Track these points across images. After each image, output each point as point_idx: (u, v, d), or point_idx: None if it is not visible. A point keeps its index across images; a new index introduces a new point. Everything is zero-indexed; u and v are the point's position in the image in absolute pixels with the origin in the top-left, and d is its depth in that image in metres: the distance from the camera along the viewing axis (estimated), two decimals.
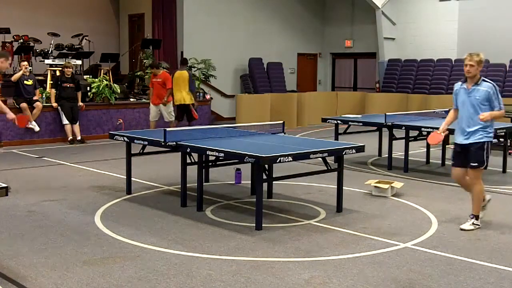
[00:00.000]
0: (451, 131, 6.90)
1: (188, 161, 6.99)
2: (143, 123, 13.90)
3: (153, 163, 9.54)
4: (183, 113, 13.04)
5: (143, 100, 14.42)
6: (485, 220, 6.49)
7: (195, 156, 6.91)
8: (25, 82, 12.34)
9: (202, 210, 6.74)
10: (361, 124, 10.37)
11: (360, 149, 6.81)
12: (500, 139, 10.49)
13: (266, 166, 6.28)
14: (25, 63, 12.75)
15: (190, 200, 6.99)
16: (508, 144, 9.94)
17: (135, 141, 7.37)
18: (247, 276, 4.70)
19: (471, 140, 6.01)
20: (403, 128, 9.37)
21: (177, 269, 4.86)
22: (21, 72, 12.40)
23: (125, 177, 7.79)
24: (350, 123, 10.39)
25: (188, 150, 6.67)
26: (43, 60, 15.46)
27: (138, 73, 16.24)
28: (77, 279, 4.61)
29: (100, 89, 13.69)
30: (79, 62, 15.45)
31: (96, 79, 14.16)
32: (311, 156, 6.35)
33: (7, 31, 16.37)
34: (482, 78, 6.06)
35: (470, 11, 17.52)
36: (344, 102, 18.13)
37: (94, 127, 13.51)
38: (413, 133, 9.62)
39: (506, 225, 6.31)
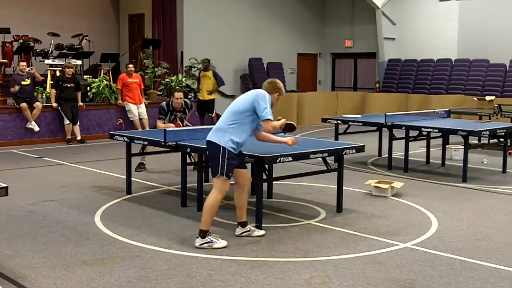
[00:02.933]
0: None
1: (188, 161, 6.99)
2: None
3: (153, 163, 9.54)
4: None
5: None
6: (485, 220, 6.49)
7: (195, 156, 6.92)
8: (22, 82, 12.30)
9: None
10: (361, 124, 10.37)
11: (360, 149, 6.81)
12: (500, 139, 10.50)
13: (266, 166, 6.28)
14: (24, 63, 12.65)
15: (190, 200, 6.98)
16: (508, 144, 9.93)
17: (135, 141, 7.37)
18: (247, 276, 4.70)
19: None
20: (403, 128, 9.37)
21: (177, 269, 4.86)
22: (17, 88, 12.21)
23: (125, 177, 7.78)
24: (350, 123, 10.39)
25: (188, 150, 6.67)
26: (43, 60, 15.45)
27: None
28: (77, 279, 4.61)
29: (100, 89, 13.71)
30: (79, 62, 15.44)
31: (96, 79, 14.17)
32: (311, 156, 6.34)
33: (7, 31, 16.36)
34: None
35: (470, 11, 17.53)
36: (344, 102, 18.13)
37: (94, 127, 13.51)
38: (413, 133, 9.63)
39: (506, 225, 6.31)
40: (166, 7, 17.64)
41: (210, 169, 5.51)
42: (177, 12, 17.43)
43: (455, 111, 12.95)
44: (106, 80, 14.09)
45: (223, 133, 5.38)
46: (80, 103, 12.84)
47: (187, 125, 8.92)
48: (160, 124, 8.46)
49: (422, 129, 9.32)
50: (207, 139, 5.47)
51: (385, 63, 19.24)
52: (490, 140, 11.64)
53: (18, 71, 12.55)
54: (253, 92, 5.54)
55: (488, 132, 9.30)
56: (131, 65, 13.52)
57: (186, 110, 8.73)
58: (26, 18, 17.28)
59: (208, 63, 14.63)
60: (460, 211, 6.89)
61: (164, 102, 8.72)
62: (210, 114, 14.73)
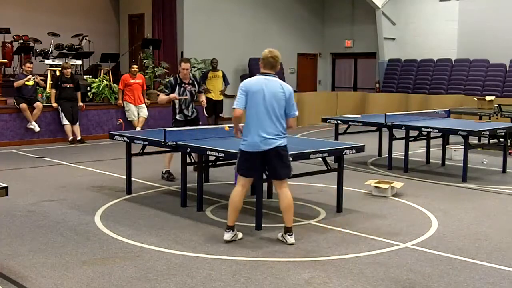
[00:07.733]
0: None
1: (188, 161, 6.99)
2: None
3: (153, 163, 9.53)
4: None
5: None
6: (485, 220, 6.49)
7: (195, 156, 6.92)
8: (27, 82, 12.32)
9: (202, 210, 6.74)
10: (361, 124, 10.37)
11: (360, 149, 6.82)
12: (500, 139, 10.50)
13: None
14: (31, 65, 12.57)
15: (190, 200, 6.98)
16: (508, 144, 9.93)
17: (135, 141, 7.37)
18: (247, 276, 4.70)
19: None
20: (403, 128, 9.36)
21: (177, 269, 4.86)
22: (24, 80, 12.26)
23: (125, 177, 7.79)
24: (350, 123, 10.39)
25: (188, 150, 6.67)
26: (43, 60, 15.44)
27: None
28: (77, 279, 4.61)
29: (100, 89, 13.70)
30: (79, 62, 15.44)
31: (96, 79, 14.16)
32: (311, 156, 6.35)
33: (7, 31, 16.37)
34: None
35: (470, 11, 17.53)
36: (344, 102, 18.12)
37: (94, 127, 13.51)
38: (413, 133, 9.63)
39: (506, 225, 6.31)
40: (166, 7, 17.63)
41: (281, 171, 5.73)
42: (177, 12, 17.42)
43: (455, 111, 12.95)
44: (106, 80, 14.09)
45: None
46: (80, 103, 12.84)
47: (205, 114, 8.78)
48: (162, 96, 8.53)
49: (422, 129, 9.32)
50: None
51: (385, 63, 19.24)
52: (490, 140, 11.64)
53: (23, 71, 12.53)
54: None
55: (488, 132, 9.29)
56: (135, 66, 13.59)
57: (195, 83, 8.67)
58: (26, 18, 17.29)
59: (217, 63, 14.88)
60: (460, 211, 6.89)
61: (172, 77, 8.73)
62: (221, 114, 14.99)
